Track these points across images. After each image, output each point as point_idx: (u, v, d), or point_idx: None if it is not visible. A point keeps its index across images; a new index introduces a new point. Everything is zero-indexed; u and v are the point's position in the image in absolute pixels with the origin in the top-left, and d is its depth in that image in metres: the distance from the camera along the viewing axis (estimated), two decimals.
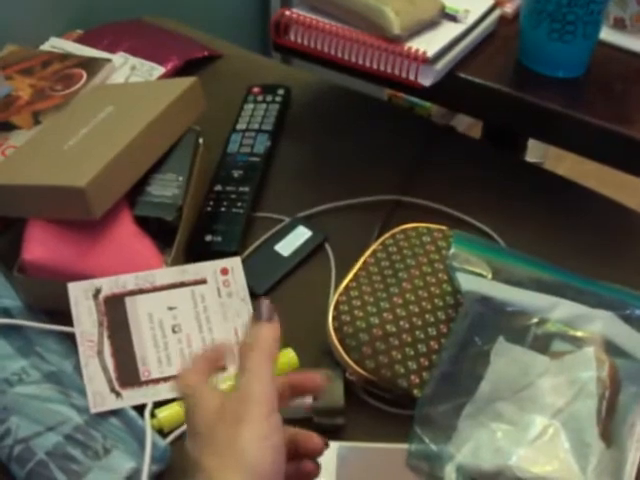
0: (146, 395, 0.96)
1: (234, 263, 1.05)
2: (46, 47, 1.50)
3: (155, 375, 0.98)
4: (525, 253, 1.03)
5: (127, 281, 1.01)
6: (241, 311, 1.02)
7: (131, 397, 0.96)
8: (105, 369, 0.97)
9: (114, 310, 1.00)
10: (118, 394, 0.96)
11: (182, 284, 1.03)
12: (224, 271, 1.04)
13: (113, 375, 0.97)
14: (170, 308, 1.01)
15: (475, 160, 1.31)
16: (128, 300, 1.01)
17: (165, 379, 0.98)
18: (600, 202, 1.25)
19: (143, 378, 0.97)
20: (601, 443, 0.83)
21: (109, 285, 1.01)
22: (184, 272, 1.03)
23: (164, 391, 0.97)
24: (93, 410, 0.94)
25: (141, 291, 1.01)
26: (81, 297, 1.00)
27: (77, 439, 0.91)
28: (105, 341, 0.98)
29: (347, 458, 0.90)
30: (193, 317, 1.01)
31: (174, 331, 1.00)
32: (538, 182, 1.28)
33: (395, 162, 1.30)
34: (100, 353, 0.97)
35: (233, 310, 1.02)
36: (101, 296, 1.00)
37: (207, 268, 1.04)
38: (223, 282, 1.03)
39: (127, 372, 0.97)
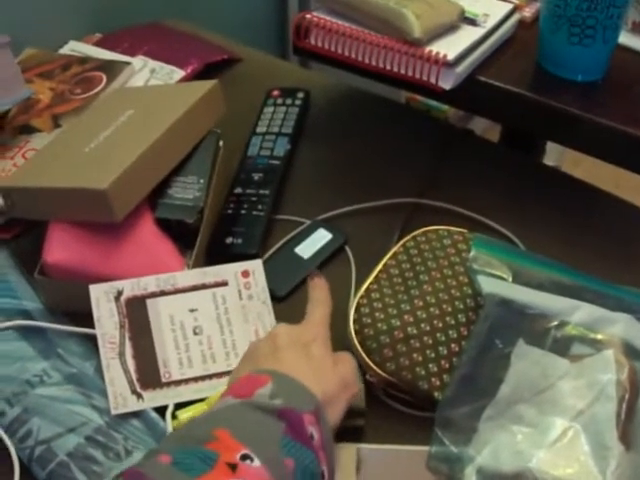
0: (167, 397, 0.96)
1: (255, 266, 1.05)
2: (65, 50, 1.51)
3: (176, 377, 0.98)
4: (544, 256, 1.03)
5: (148, 283, 1.01)
6: (262, 313, 1.02)
7: (152, 399, 0.96)
8: (126, 371, 0.97)
9: (135, 312, 1.00)
10: (139, 396, 0.96)
11: (203, 286, 1.03)
12: (245, 273, 1.04)
13: (134, 377, 0.97)
14: (191, 310, 1.01)
15: (494, 163, 1.31)
16: (149, 302, 1.01)
17: (186, 381, 0.98)
18: (617, 205, 1.25)
19: (164, 380, 0.97)
20: (620, 446, 0.83)
21: (130, 287, 1.01)
22: (205, 274, 1.03)
23: (185, 393, 0.97)
24: (114, 412, 0.94)
25: (162, 293, 1.01)
26: (103, 299, 1.00)
27: (98, 440, 0.91)
28: (126, 343, 0.98)
29: (367, 460, 0.90)
30: (214, 319, 1.01)
31: (195, 333, 1.00)
32: (556, 185, 1.28)
33: (414, 165, 1.30)
34: (121, 355, 0.98)
35: (254, 312, 1.02)
36: (122, 298, 1.00)
37: (228, 270, 1.04)
38: (244, 284, 1.03)
39: (148, 374, 0.98)
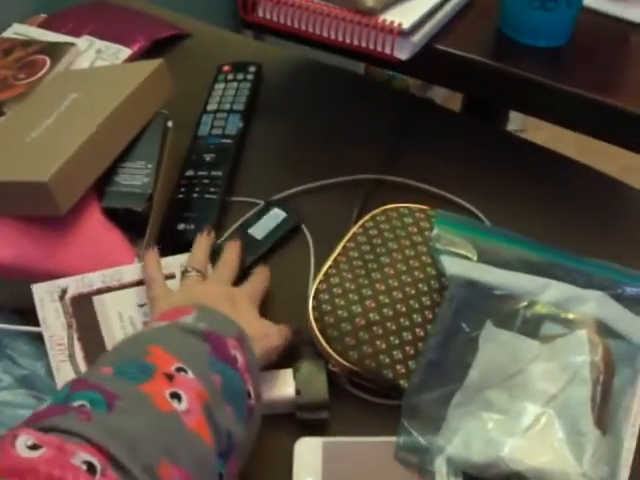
0: None
1: None
2: (8, 34, 1.46)
3: None
4: (510, 231, 0.99)
5: (93, 279, 0.98)
6: None
7: None
8: (78, 373, 0.93)
9: (82, 310, 0.96)
10: None
11: None
12: None
13: None
14: (140, 305, 0.97)
15: (456, 134, 1.28)
16: (96, 299, 0.97)
17: None
18: (584, 173, 1.22)
19: None
20: (596, 431, 0.81)
21: (75, 285, 0.97)
22: None
23: None
24: None
25: (109, 289, 0.98)
26: (47, 299, 0.96)
27: None
28: (75, 344, 0.95)
29: (333, 453, 0.88)
30: None
31: None
32: (521, 154, 1.25)
33: (374, 139, 1.26)
34: (72, 356, 0.94)
35: None
36: (67, 297, 0.97)
37: (174, 262, 1.01)
38: None
39: None
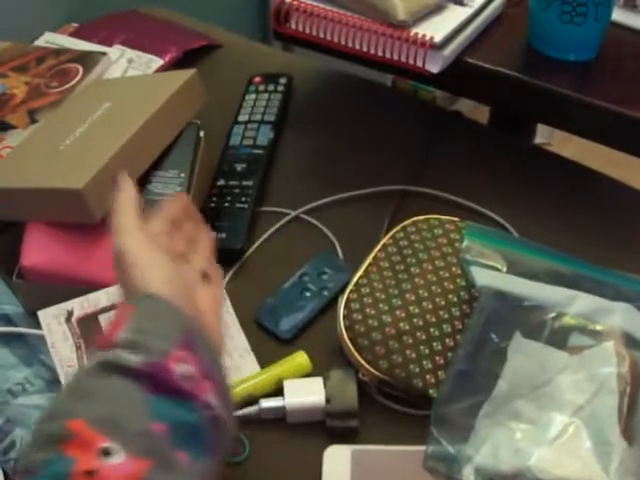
0: None
1: None
2: (41, 42, 1.47)
3: None
4: (538, 243, 0.99)
5: (98, 298, 0.98)
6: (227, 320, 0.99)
7: None
8: None
9: (90, 331, 0.97)
10: None
11: None
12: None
13: None
14: None
15: (483, 146, 1.28)
16: (102, 318, 0.97)
17: None
18: (612, 187, 1.22)
19: None
20: (623, 442, 0.80)
21: (80, 305, 0.98)
22: None
23: None
24: None
25: (114, 307, 0.97)
26: (53, 323, 0.97)
27: None
28: None
29: (362, 462, 0.88)
30: None
31: None
32: (549, 167, 1.25)
33: (402, 150, 1.27)
34: None
35: None
36: (74, 319, 0.97)
37: None
38: None
39: None
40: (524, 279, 0.93)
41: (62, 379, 0.94)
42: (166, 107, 1.11)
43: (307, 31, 1.19)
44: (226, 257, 1.06)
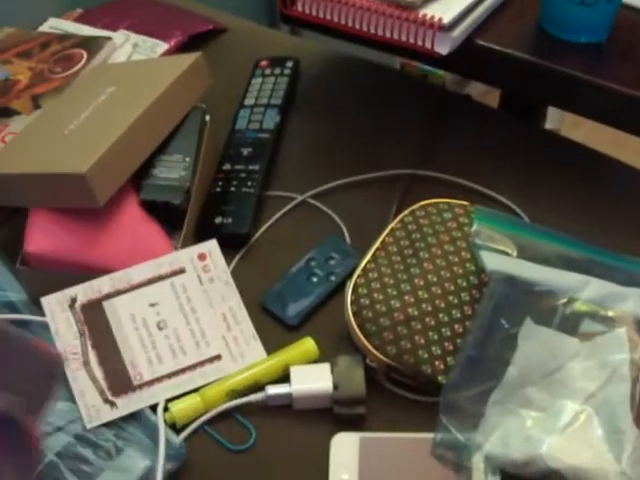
0: (141, 400, 0.92)
1: (211, 246, 1.01)
2: (45, 28, 1.46)
3: (148, 377, 0.94)
4: (549, 227, 0.99)
5: (102, 284, 0.97)
6: (226, 295, 0.99)
7: (126, 405, 0.92)
8: (95, 380, 0.93)
9: (94, 317, 0.96)
10: (113, 404, 0.91)
11: (160, 277, 0.99)
12: (202, 257, 1.00)
13: (104, 385, 0.92)
14: (152, 305, 0.97)
15: (493, 130, 1.27)
16: (106, 304, 0.97)
17: (159, 379, 0.94)
18: (622, 171, 1.21)
19: (136, 382, 0.93)
20: (636, 429, 0.80)
21: (84, 291, 0.97)
22: (159, 265, 0.99)
23: (160, 392, 0.93)
24: (89, 426, 0.90)
25: (118, 292, 0.97)
26: (57, 310, 0.96)
27: (88, 438, 0.88)
28: (90, 351, 0.94)
29: (370, 449, 0.87)
30: (177, 310, 0.97)
31: (160, 328, 0.96)
32: (559, 152, 1.24)
33: (411, 134, 1.25)
34: (87, 364, 0.93)
35: (218, 295, 0.99)
36: (77, 305, 0.96)
37: (183, 256, 1.00)
38: (202, 268, 0.99)
39: (118, 379, 0.93)
40: (535, 264, 0.92)
41: (65, 366, 0.93)
42: (171, 91, 1.10)
43: (314, 13, 1.18)
44: (232, 242, 1.07)
